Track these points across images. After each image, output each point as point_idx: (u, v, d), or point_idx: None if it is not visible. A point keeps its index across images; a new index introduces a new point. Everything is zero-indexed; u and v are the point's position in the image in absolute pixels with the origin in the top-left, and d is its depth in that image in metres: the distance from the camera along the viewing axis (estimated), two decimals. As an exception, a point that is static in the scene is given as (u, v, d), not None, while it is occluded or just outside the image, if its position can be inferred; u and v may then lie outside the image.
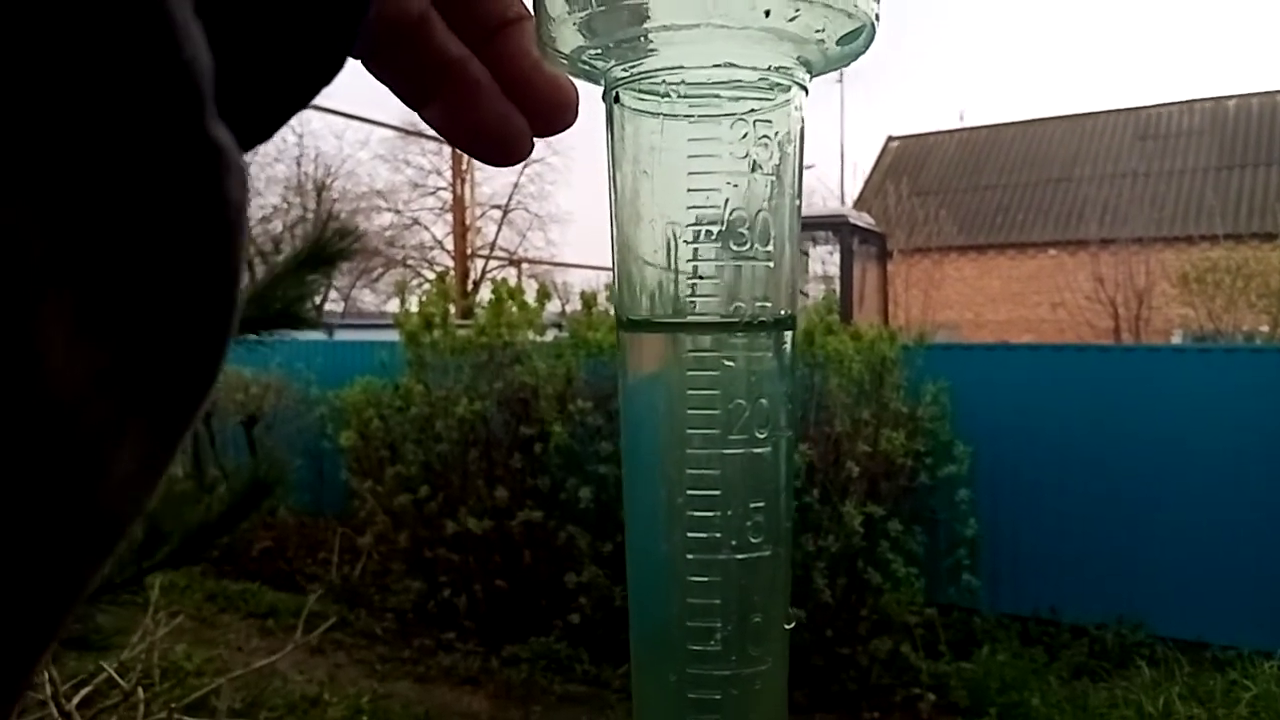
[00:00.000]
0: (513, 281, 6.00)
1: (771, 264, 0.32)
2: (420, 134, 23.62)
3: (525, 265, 21.38)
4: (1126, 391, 4.94)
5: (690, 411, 0.32)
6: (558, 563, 4.76)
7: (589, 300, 5.38)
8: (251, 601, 5.50)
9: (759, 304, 0.32)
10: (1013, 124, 21.43)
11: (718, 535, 0.32)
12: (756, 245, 0.32)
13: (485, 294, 6.78)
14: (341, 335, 10.43)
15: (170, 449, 0.19)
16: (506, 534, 4.87)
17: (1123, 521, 4.87)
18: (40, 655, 0.18)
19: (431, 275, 16.00)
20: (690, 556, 0.33)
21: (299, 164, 24.29)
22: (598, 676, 4.48)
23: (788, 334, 0.33)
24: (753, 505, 0.32)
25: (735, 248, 0.32)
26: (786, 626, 0.34)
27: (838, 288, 9.32)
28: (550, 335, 5.39)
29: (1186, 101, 19.69)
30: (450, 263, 16.80)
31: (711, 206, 0.32)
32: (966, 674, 4.43)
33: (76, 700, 1.47)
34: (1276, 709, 3.82)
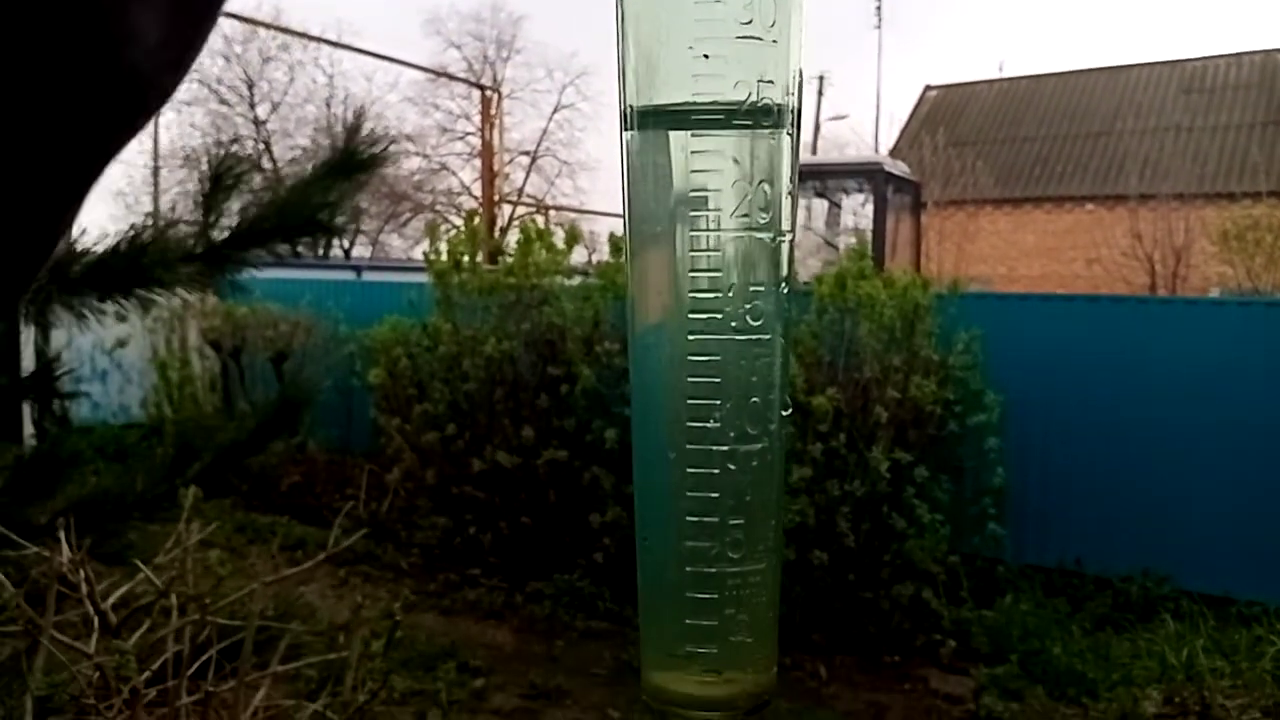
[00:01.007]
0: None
1: (777, 41, 0.31)
2: (451, 76, 23.48)
3: (553, 212, 21.34)
4: (1162, 344, 4.86)
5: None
6: (582, 502, 4.80)
7: (618, 243, 5.34)
8: (280, 534, 5.59)
9: (763, 84, 0.31)
10: (1053, 75, 21.00)
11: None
12: (759, 22, 0.31)
13: (513, 239, 6.77)
14: (369, 277, 10.50)
15: (194, 29, 0.20)
16: (532, 472, 4.90)
17: (1152, 474, 4.82)
18: (74, 206, 0.20)
19: (459, 221, 15.99)
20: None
21: (328, 105, 24.34)
22: (620, 614, 4.53)
23: (784, 240, 0.33)
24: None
25: (740, 25, 0.31)
26: (785, 411, 0.33)
27: (870, 238, 9.23)
28: (577, 281, 5.37)
29: (1234, 54, 19.16)
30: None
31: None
32: (988, 621, 4.43)
33: (112, 600, 1.51)
34: (1301, 663, 3.81)
